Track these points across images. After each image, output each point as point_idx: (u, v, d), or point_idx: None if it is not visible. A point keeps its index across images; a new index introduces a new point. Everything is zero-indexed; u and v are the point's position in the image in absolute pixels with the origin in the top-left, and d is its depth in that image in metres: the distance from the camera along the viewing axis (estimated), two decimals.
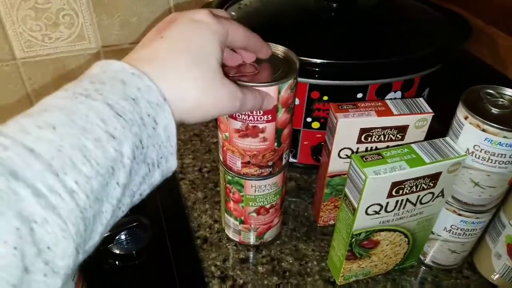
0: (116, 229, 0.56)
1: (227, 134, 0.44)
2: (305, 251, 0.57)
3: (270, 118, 0.42)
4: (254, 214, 0.52)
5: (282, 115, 0.43)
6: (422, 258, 0.55)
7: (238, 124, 0.42)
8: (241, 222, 0.53)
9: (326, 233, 0.59)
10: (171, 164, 0.31)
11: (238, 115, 0.41)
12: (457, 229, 0.49)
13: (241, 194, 0.50)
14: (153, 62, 0.30)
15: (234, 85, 0.34)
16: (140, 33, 0.73)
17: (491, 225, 0.51)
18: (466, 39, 0.56)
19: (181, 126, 0.77)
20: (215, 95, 0.32)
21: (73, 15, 0.69)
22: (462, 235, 0.50)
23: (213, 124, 0.77)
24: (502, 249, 0.49)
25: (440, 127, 0.49)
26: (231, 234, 0.57)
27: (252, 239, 0.56)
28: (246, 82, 0.38)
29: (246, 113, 0.40)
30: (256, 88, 0.38)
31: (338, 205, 0.58)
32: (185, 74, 0.30)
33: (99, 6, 0.69)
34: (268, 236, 0.56)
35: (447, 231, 0.50)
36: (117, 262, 0.55)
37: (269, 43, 0.43)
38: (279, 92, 0.40)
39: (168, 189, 0.65)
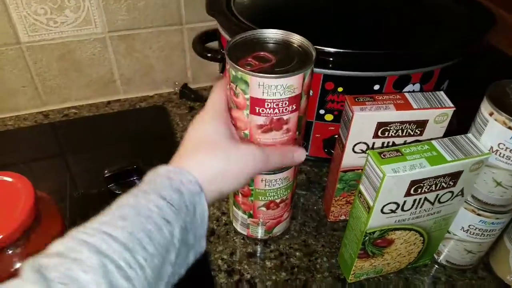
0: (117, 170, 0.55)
1: (246, 131, 0.41)
2: (314, 246, 0.55)
3: (295, 107, 0.39)
4: (264, 209, 0.50)
5: (303, 102, 0.40)
6: (436, 257, 0.53)
7: (261, 119, 0.39)
8: (250, 216, 0.52)
9: (337, 228, 0.58)
10: (202, 245, 0.35)
11: (262, 110, 0.38)
12: (475, 229, 0.47)
13: (250, 188, 0.48)
14: (188, 156, 0.36)
15: (255, 148, 0.38)
16: (147, 18, 0.71)
17: (510, 225, 0.49)
18: (489, 30, 0.53)
19: (189, 115, 0.75)
20: (238, 165, 0.37)
21: None
22: (480, 236, 0.48)
23: None
24: None
25: (458, 122, 0.47)
26: (239, 227, 0.55)
27: (260, 233, 0.54)
28: (266, 73, 0.36)
29: (271, 106, 0.38)
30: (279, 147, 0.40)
31: (350, 200, 0.56)
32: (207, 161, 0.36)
33: None
34: (277, 231, 0.55)
35: (464, 231, 0.48)
36: None
37: (281, 30, 0.41)
38: (303, 79, 0.37)
39: None
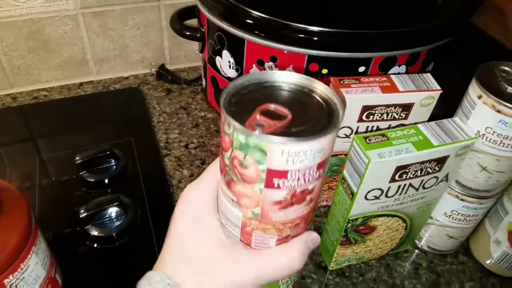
0: (94, 208, 0.52)
1: (256, 210, 0.30)
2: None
3: (322, 172, 0.29)
4: None
5: (327, 164, 0.30)
6: (417, 242, 0.53)
7: (281, 195, 0.29)
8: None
9: (318, 214, 0.56)
10: None
11: (283, 183, 0.28)
12: (458, 215, 0.47)
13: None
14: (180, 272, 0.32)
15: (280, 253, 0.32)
16: None
17: (492, 210, 0.48)
18: (475, 11, 0.52)
19: (167, 98, 0.72)
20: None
21: None
22: (463, 221, 0.47)
23: (201, 96, 0.73)
24: (502, 235, 0.47)
25: (444, 108, 0.46)
26: None
27: None
28: (291, 137, 0.26)
29: (296, 176, 0.28)
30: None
31: (332, 186, 0.55)
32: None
33: None
34: None
35: (446, 216, 0.48)
36: (95, 245, 0.51)
37: (295, 73, 0.30)
38: (334, 138, 0.28)
39: (151, 166, 0.61)
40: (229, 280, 0.31)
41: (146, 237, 0.52)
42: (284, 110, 0.28)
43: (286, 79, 0.30)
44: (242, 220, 0.31)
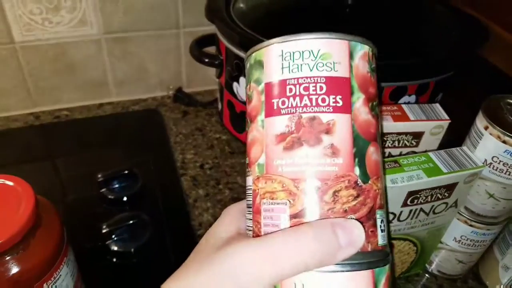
0: (114, 225, 0.54)
1: (261, 160, 0.25)
2: None
3: (341, 102, 0.24)
4: None
5: (360, 105, 0.24)
6: (427, 266, 0.54)
7: (282, 122, 0.24)
8: None
9: None
10: None
11: (283, 102, 0.24)
12: (466, 240, 0.48)
13: None
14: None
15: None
16: (144, 21, 0.71)
17: (500, 236, 0.50)
18: (482, 45, 0.54)
19: (183, 120, 0.75)
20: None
21: None
22: (472, 246, 0.49)
23: (216, 119, 0.75)
24: (510, 261, 0.49)
25: (451, 135, 0.48)
26: None
27: None
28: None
29: (297, 90, 0.23)
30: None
31: None
32: None
33: None
34: None
35: (456, 241, 0.49)
36: (114, 259, 0.53)
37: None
38: (350, 55, 0.24)
39: (169, 184, 0.63)
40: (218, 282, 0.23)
41: (163, 253, 0.54)
42: None
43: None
44: (252, 188, 0.25)
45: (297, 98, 0.23)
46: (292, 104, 0.24)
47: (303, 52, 0.24)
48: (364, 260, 0.23)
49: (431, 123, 0.46)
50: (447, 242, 0.50)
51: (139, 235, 0.55)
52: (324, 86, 0.24)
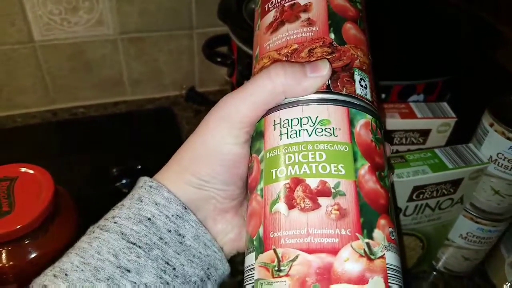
0: None
1: (256, 52, 0.28)
2: None
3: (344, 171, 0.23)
4: None
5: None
6: (434, 263, 0.55)
7: (270, 16, 0.27)
8: None
9: None
10: (223, 269, 0.27)
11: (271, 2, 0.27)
12: (473, 236, 0.49)
13: None
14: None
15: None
16: (158, 22, 0.73)
17: (506, 234, 0.50)
18: (493, 47, 0.55)
19: (195, 118, 0.77)
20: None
21: (93, 0, 0.68)
22: (478, 243, 0.50)
23: None
24: None
25: (459, 134, 0.49)
26: None
27: None
28: None
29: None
30: None
31: None
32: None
33: None
34: None
35: (462, 238, 0.50)
36: None
37: None
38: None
39: None
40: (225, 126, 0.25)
41: None
42: None
43: None
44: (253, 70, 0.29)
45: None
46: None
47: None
48: (335, 97, 0.24)
49: (438, 121, 0.47)
50: (453, 239, 0.51)
51: None
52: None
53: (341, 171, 0.23)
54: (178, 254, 0.25)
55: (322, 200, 0.22)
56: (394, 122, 0.47)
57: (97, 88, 0.78)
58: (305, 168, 0.23)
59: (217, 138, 0.26)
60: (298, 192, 0.22)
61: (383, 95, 0.52)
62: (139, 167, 0.63)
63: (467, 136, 0.47)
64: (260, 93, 0.24)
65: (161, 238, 0.25)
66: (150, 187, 0.26)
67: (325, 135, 0.23)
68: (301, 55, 0.26)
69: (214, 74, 0.81)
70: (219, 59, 0.66)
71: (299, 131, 0.24)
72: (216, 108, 0.27)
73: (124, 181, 0.61)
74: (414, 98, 0.53)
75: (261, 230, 0.23)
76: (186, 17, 0.74)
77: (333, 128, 0.24)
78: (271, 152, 0.24)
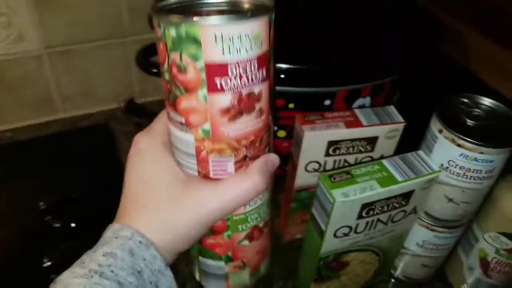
0: (59, 257, 0.50)
1: (206, 126, 0.28)
2: (270, 270, 0.53)
3: (265, 73, 0.28)
4: (246, 242, 0.36)
5: (271, 66, 0.29)
6: (392, 272, 0.52)
7: (226, 99, 0.27)
8: (228, 260, 0.36)
9: (293, 248, 0.55)
10: None
11: (226, 82, 0.27)
12: (429, 244, 0.47)
13: (225, 219, 0.34)
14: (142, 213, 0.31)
15: (204, 195, 0.30)
16: (87, 32, 0.67)
17: (463, 237, 0.48)
18: (439, 42, 0.53)
19: (136, 133, 0.71)
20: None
21: (10, 14, 0.61)
22: (435, 250, 0.47)
23: None
24: (474, 262, 0.47)
25: (412, 136, 0.46)
26: (210, 284, 0.39)
27: (245, 279, 0.39)
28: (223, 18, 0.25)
29: (237, 72, 0.26)
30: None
31: (305, 219, 0.54)
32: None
33: (41, 3, 0.62)
34: (265, 268, 0.41)
35: (419, 246, 0.47)
36: None
37: None
38: (269, 27, 0.27)
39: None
40: (192, 217, 0.30)
41: None
42: (217, 12, 0.29)
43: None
44: (195, 145, 0.29)
45: (238, 79, 0.27)
46: (234, 84, 0.27)
47: (240, 35, 0.25)
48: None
49: (386, 127, 0.44)
50: (409, 247, 0.48)
51: None
52: (256, 63, 0.27)
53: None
54: None
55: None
56: (339, 132, 0.44)
57: (24, 108, 0.71)
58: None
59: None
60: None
61: (327, 101, 0.48)
62: (72, 196, 0.58)
63: (420, 138, 0.45)
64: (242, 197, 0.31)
65: None
66: (140, 242, 0.29)
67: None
68: (256, 145, 0.31)
69: (155, 84, 0.76)
70: (154, 70, 0.61)
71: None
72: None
73: (54, 214, 0.55)
74: (360, 101, 0.50)
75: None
76: (117, 25, 0.68)
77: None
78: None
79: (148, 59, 0.63)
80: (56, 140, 0.69)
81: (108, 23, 0.67)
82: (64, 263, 0.49)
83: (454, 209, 0.43)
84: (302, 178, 0.48)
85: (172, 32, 0.26)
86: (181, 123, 0.29)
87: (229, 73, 0.26)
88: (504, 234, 0.44)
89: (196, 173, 0.31)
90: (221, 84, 0.27)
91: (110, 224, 0.31)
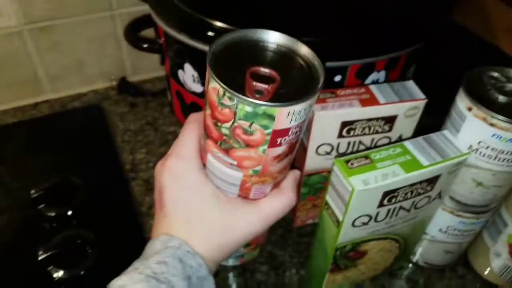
0: (55, 247, 0.47)
1: (257, 168, 0.32)
2: (281, 258, 0.50)
3: (306, 123, 0.32)
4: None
5: None
6: (412, 257, 0.49)
7: (281, 149, 0.31)
8: (247, 245, 0.44)
9: (304, 234, 0.52)
10: None
11: (285, 139, 0.30)
12: (454, 230, 0.43)
13: None
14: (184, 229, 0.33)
15: (254, 219, 0.34)
16: (70, 6, 0.61)
17: (490, 221, 0.45)
18: (452, 8, 0.47)
19: (130, 114, 0.67)
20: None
21: None
22: (460, 236, 0.44)
23: (169, 109, 0.67)
24: (502, 248, 0.44)
25: (430, 113, 0.42)
26: (230, 263, 0.48)
27: (256, 254, 0.48)
28: (292, 99, 0.27)
29: (294, 131, 0.29)
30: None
31: (317, 204, 0.50)
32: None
33: None
34: (264, 243, 0.49)
35: (442, 232, 0.44)
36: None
37: (281, 34, 0.31)
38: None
39: (115, 192, 0.55)
40: (239, 237, 0.34)
41: (116, 275, 0.47)
42: (272, 73, 0.29)
43: (270, 38, 0.31)
44: (242, 179, 0.33)
45: (293, 135, 0.30)
46: (289, 139, 0.30)
47: (305, 109, 0.28)
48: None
49: (405, 105, 0.40)
50: (432, 233, 0.45)
51: (85, 256, 0.48)
52: (306, 121, 0.31)
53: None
54: None
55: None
56: (354, 112, 0.39)
57: (11, 89, 0.66)
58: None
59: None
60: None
61: (338, 77, 0.44)
62: (64, 182, 0.54)
63: (441, 118, 0.40)
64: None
65: None
66: (188, 252, 0.32)
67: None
68: (288, 168, 0.35)
69: (149, 60, 0.70)
70: (145, 45, 0.56)
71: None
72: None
73: (48, 202, 0.52)
74: (374, 76, 0.45)
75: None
76: None
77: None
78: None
79: (138, 33, 0.58)
80: (45, 123, 0.65)
81: None
82: (60, 254, 0.47)
83: (483, 194, 0.39)
84: (313, 161, 0.44)
85: (247, 108, 0.27)
86: (231, 164, 0.32)
87: (290, 133, 0.30)
88: None
89: (236, 196, 0.34)
90: (281, 141, 0.30)
91: (155, 238, 0.33)
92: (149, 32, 0.58)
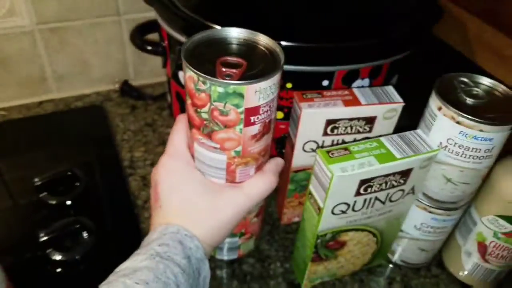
0: (53, 232, 0.50)
1: (238, 149, 0.36)
2: (267, 252, 0.52)
3: (277, 102, 0.36)
4: (256, 219, 0.47)
5: None
6: (390, 256, 0.52)
7: (256, 128, 0.35)
8: (242, 235, 0.48)
9: (290, 231, 0.55)
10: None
11: (257, 117, 0.34)
12: (427, 227, 0.46)
13: None
14: (181, 215, 0.37)
15: (236, 196, 0.38)
16: (81, 9, 0.65)
17: (461, 221, 0.48)
18: (436, 22, 0.52)
19: (131, 115, 0.70)
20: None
21: None
22: (433, 233, 0.47)
23: (168, 112, 0.71)
24: (472, 247, 0.47)
25: (409, 119, 0.45)
26: (225, 256, 0.50)
27: (250, 246, 0.51)
28: (258, 78, 0.31)
29: (265, 109, 0.34)
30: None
31: (303, 201, 0.54)
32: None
33: None
34: (259, 233, 0.52)
35: (417, 229, 0.47)
36: (57, 270, 0.49)
37: (241, 29, 0.36)
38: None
39: (114, 186, 0.58)
40: (226, 215, 0.37)
41: (109, 260, 0.50)
42: (239, 60, 0.33)
43: (233, 34, 0.36)
44: (227, 161, 0.37)
45: (265, 113, 0.34)
46: (262, 118, 0.34)
47: (270, 86, 0.32)
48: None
49: (384, 107, 0.44)
50: (407, 230, 0.48)
51: (83, 242, 0.50)
52: (275, 99, 0.35)
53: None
54: (196, 286, 0.35)
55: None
56: (337, 111, 0.43)
57: (18, 87, 0.69)
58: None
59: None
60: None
61: (326, 82, 0.48)
62: (67, 173, 0.57)
63: (417, 120, 0.44)
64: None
65: (193, 272, 0.34)
66: (186, 235, 0.35)
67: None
68: (268, 152, 0.39)
69: (151, 65, 0.74)
70: (150, 48, 0.60)
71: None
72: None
73: (50, 191, 0.55)
74: (359, 83, 0.49)
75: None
76: (111, 2, 0.66)
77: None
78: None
79: (143, 36, 0.62)
80: (50, 120, 0.68)
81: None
82: (59, 238, 0.49)
83: (452, 190, 0.42)
84: (300, 158, 0.47)
85: (219, 89, 0.31)
86: (214, 147, 0.36)
87: (260, 111, 0.33)
88: (502, 217, 0.43)
89: (224, 181, 0.38)
90: (254, 120, 0.34)
91: (152, 230, 0.36)
92: (153, 37, 0.62)
